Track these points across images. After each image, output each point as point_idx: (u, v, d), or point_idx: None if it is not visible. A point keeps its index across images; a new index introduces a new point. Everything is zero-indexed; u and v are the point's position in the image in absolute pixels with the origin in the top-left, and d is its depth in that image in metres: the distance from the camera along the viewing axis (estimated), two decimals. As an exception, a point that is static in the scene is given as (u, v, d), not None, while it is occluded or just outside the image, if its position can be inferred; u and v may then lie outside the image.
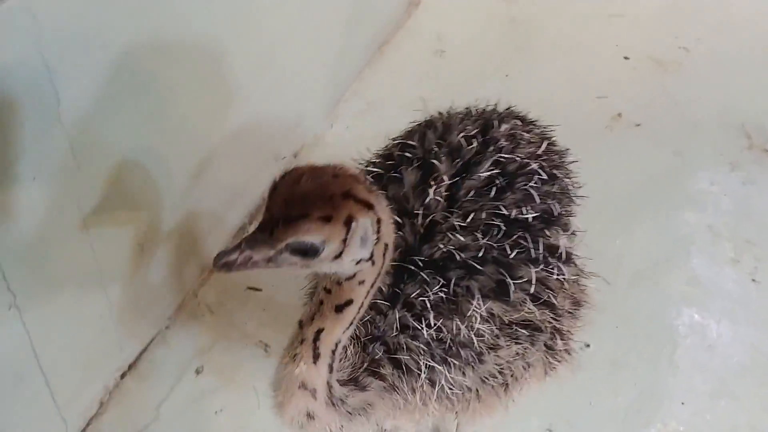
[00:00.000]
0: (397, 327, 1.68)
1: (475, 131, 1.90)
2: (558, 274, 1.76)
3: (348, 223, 1.36)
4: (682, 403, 2.62)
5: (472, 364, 1.71)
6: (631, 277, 3.00)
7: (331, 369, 1.60)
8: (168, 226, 2.60)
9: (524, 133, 1.98)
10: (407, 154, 1.86)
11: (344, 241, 1.38)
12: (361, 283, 1.51)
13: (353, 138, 3.44)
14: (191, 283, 2.91)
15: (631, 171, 3.44)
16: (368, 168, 1.93)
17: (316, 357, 1.57)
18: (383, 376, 1.72)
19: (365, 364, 1.72)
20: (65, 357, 2.32)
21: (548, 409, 2.58)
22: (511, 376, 1.83)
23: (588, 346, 2.76)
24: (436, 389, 1.71)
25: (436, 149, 1.85)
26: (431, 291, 1.65)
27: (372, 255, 1.46)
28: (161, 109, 2.34)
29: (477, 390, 1.79)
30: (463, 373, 1.72)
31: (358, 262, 1.45)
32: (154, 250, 2.58)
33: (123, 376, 2.66)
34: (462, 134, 1.88)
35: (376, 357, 1.72)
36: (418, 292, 1.67)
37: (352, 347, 1.70)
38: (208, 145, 2.67)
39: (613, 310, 2.86)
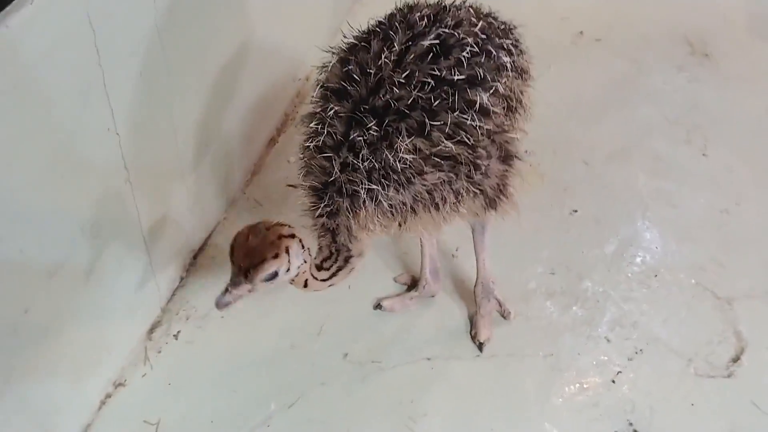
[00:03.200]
0: (339, 169, 2.19)
1: (430, 13, 2.35)
2: (472, 121, 2.21)
3: (287, 251, 2.12)
4: (656, 248, 3.24)
5: (403, 184, 2.20)
6: (604, 158, 3.60)
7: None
8: (213, 140, 3.09)
9: (472, 18, 2.41)
10: (378, 29, 2.34)
11: (289, 261, 2.13)
12: (304, 272, 2.26)
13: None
14: (239, 184, 3.42)
15: (596, 77, 4.05)
16: (350, 41, 2.40)
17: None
18: (339, 207, 2.24)
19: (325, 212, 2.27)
20: (158, 234, 2.81)
21: (549, 258, 3.18)
22: (441, 198, 2.29)
23: (576, 211, 3.36)
24: (373, 203, 2.21)
25: (398, 25, 2.30)
26: (368, 134, 2.15)
27: (304, 259, 2.22)
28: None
29: (412, 207, 2.27)
30: (396, 191, 2.20)
31: (298, 267, 2.19)
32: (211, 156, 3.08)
33: (195, 257, 3.16)
34: (418, 14, 2.33)
35: (332, 201, 2.24)
36: (358, 133, 2.15)
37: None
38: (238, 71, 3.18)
39: (593, 183, 3.50)
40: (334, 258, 2.37)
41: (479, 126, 2.23)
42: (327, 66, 2.36)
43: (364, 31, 2.41)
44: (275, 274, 2.12)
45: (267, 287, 2.16)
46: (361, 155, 2.16)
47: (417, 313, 3.00)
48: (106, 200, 2.44)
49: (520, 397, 2.76)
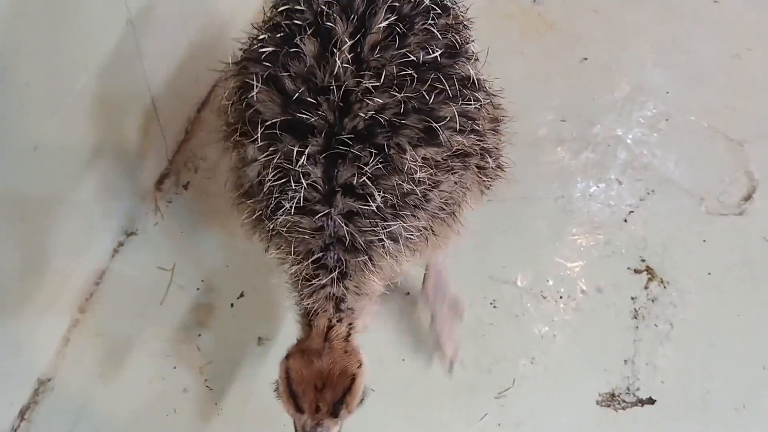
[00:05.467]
0: (343, 222, 1.69)
1: None
2: (475, 102, 1.78)
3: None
4: (667, 93, 3.20)
5: (421, 206, 1.76)
6: (615, 5, 3.51)
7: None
8: None
9: None
10: (296, 22, 1.73)
11: None
12: None
13: None
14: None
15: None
16: (258, 47, 1.79)
17: None
18: (353, 266, 1.78)
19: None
20: (161, 81, 2.74)
21: (560, 106, 3.14)
22: (455, 203, 1.91)
23: (586, 59, 3.31)
24: (401, 243, 1.76)
25: (326, 9, 1.71)
26: (368, 167, 1.64)
27: None
28: None
29: (431, 227, 1.86)
30: (415, 217, 1.75)
31: None
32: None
33: (199, 110, 3.10)
34: None
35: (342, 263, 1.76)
36: (354, 173, 1.65)
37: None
38: None
39: (603, 30, 3.44)
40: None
41: (482, 105, 1.83)
42: (243, 93, 1.78)
43: (269, 27, 1.83)
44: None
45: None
46: (366, 196, 1.66)
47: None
48: (106, 41, 2.35)
49: (532, 236, 2.77)
